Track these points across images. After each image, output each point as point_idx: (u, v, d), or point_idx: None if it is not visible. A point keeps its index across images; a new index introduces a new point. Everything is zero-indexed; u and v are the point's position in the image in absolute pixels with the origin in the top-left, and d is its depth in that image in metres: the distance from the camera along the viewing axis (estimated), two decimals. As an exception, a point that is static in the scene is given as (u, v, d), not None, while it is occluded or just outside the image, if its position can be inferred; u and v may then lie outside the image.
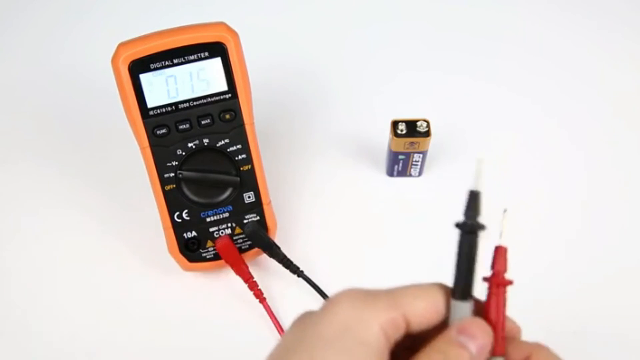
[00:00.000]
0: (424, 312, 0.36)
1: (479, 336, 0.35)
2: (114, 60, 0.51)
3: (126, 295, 0.57)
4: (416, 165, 0.64)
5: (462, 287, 0.35)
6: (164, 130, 0.53)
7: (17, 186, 0.65)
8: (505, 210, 0.38)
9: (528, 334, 0.54)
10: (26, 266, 0.58)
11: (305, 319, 0.38)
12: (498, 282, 0.36)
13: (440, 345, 0.35)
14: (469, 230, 0.35)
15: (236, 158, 0.55)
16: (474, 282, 0.35)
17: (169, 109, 0.53)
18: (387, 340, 0.35)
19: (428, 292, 0.37)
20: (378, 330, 0.35)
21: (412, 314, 0.36)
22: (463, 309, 0.35)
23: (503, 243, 0.37)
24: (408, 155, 0.62)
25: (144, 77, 0.52)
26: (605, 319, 0.56)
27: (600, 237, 0.61)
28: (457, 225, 0.35)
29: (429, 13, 0.81)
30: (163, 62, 0.52)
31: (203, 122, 0.53)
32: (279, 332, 0.54)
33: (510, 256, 0.58)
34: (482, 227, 0.36)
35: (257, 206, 0.56)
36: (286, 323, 0.55)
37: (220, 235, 0.56)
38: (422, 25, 0.80)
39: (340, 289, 0.37)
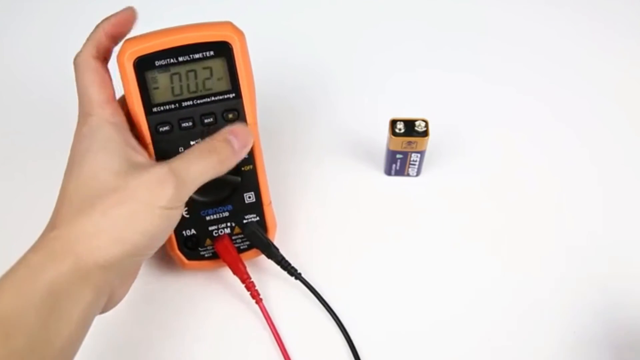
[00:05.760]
0: None
1: (242, 136, 0.50)
2: (120, 56, 0.51)
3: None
4: (414, 164, 0.64)
5: None
6: (166, 128, 0.53)
7: (18, 184, 0.65)
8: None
9: (528, 332, 0.56)
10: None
11: None
12: None
13: (211, 139, 0.50)
14: None
15: None
16: None
17: (173, 106, 0.52)
18: None
19: None
20: None
21: None
22: None
23: None
24: (406, 155, 0.63)
25: (149, 74, 0.51)
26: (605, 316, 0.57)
27: (602, 235, 0.62)
28: None
29: (430, 13, 0.81)
30: (168, 60, 0.51)
31: (206, 121, 0.53)
32: (274, 333, 0.54)
33: (512, 254, 0.59)
34: None
35: (257, 207, 0.56)
36: (282, 325, 0.55)
37: (219, 235, 0.56)
38: (422, 25, 0.80)
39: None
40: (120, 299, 0.49)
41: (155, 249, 0.49)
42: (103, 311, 0.47)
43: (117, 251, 0.45)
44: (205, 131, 0.53)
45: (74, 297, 0.43)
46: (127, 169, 0.47)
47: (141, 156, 0.49)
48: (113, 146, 0.48)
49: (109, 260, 0.45)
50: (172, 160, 0.48)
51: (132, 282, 0.50)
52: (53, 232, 0.45)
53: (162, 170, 0.47)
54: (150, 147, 0.53)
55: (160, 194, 0.46)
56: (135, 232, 0.45)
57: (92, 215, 0.45)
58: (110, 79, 0.52)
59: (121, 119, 0.51)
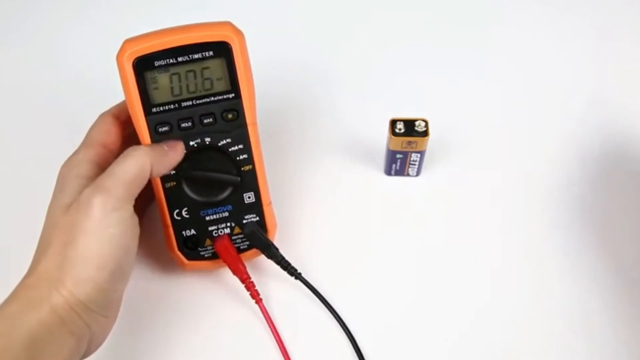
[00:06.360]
0: None
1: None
2: (119, 56, 0.51)
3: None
4: (414, 164, 0.64)
5: None
6: (166, 128, 0.53)
7: (18, 182, 0.65)
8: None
9: (527, 332, 0.56)
10: (24, 263, 0.58)
11: None
12: None
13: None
14: None
15: (237, 158, 0.55)
16: None
17: (172, 106, 0.52)
18: None
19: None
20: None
21: None
22: None
23: None
24: (406, 155, 0.63)
25: (148, 74, 0.51)
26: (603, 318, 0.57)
27: (603, 234, 0.61)
28: None
29: (430, 13, 0.81)
30: (167, 60, 0.51)
31: (205, 121, 0.53)
32: (274, 333, 0.54)
33: (513, 253, 0.59)
34: None
35: (257, 207, 0.56)
36: (282, 325, 0.55)
37: (219, 235, 0.56)
38: (423, 25, 0.80)
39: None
40: (102, 342, 0.49)
41: (126, 274, 0.49)
42: (85, 356, 0.47)
43: (85, 291, 0.45)
44: (204, 131, 0.53)
45: (54, 345, 0.43)
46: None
47: None
48: (77, 183, 0.48)
49: (82, 302, 0.45)
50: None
51: (113, 321, 0.50)
52: (29, 279, 0.45)
53: (87, 190, 0.47)
54: (149, 147, 0.53)
55: (90, 212, 0.45)
56: (92, 265, 0.45)
57: (53, 258, 0.45)
58: (120, 135, 0.54)
59: (104, 161, 0.51)
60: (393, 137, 0.60)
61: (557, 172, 0.66)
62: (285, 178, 0.65)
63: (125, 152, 0.49)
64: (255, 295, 0.55)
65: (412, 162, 0.64)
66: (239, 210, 0.56)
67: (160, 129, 0.53)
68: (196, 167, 0.54)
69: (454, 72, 0.75)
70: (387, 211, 0.63)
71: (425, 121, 0.61)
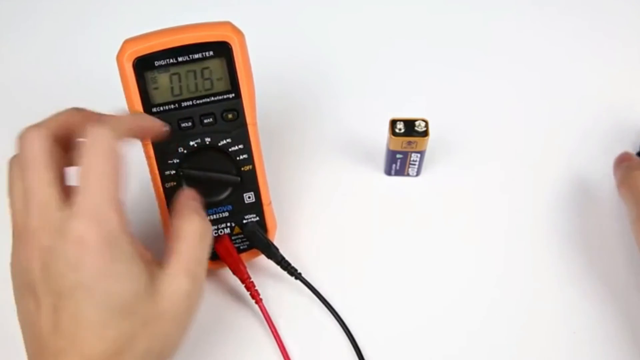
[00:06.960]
0: None
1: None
2: (119, 56, 0.51)
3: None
4: (414, 165, 0.64)
5: None
6: (166, 128, 0.53)
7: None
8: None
9: (527, 332, 0.56)
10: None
11: None
12: None
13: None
14: None
15: (237, 158, 0.55)
16: None
17: (172, 106, 0.52)
18: None
19: None
20: None
21: None
22: None
23: None
24: (406, 155, 0.63)
25: (148, 75, 0.51)
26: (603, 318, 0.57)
27: (606, 235, 0.61)
28: None
29: (432, 12, 0.81)
30: (167, 60, 0.51)
31: (205, 121, 0.53)
32: (273, 333, 0.54)
33: (513, 254, 0.59)
34: None
35: (257, 207, 0.56)
36: (282, 325, 0.55)
37: (219, 235, 0.56)
38: (424, 25, 0.80)
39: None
40: None
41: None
42: None
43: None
44: (204, 131, 0.53)
45: None
46: None
47: None
48: None
49: None
50: None
51: None
52: None
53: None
54: (150, 147, 0.53)
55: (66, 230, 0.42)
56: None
57: None
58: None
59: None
60: (393, 137, 0.60)
61: (557, 172, 0.66)
62: (286, 178, 0.65)
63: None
64: (255, 295, 0.55)
65: (412, 162, 0.64)
66: (239, 210, 0.56)
67: None
68: (196, 167, 0.54)
69: (454, 72, 0.75)
70: (387, 211, 0.63)
71: (425, 121, 0.61)
